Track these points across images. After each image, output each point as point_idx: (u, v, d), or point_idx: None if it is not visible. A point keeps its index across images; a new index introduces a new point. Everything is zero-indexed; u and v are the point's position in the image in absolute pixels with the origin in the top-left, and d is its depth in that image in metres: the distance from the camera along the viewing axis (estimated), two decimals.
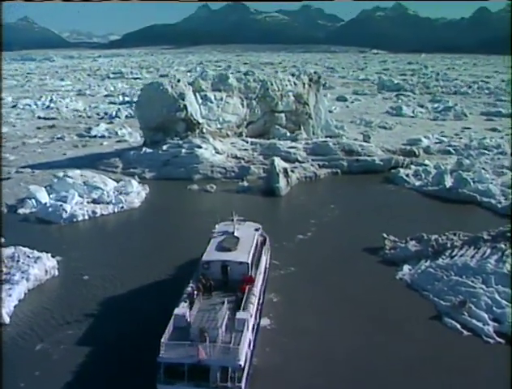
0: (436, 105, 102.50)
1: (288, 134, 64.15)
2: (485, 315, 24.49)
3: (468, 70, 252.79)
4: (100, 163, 55.32)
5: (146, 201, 43.33)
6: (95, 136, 73.21)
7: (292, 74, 70.17)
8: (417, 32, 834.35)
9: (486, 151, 59.26)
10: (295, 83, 67.39)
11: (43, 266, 29.10)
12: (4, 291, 26.06)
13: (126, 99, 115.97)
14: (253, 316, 20.21)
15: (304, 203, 42.99)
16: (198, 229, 35.96)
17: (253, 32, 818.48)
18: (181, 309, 19.89)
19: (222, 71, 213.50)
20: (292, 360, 20.69)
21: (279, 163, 47.69)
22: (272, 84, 65.10)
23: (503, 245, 28.68)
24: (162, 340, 18.10)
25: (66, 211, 39.17)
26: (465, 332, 23.66)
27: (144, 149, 55.50)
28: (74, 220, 38.90)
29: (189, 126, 57.77)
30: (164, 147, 54.44)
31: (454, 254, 29.68)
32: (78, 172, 46.91)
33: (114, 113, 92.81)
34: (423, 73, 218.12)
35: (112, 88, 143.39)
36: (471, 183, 44.14)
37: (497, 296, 25.57)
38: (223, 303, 20.40)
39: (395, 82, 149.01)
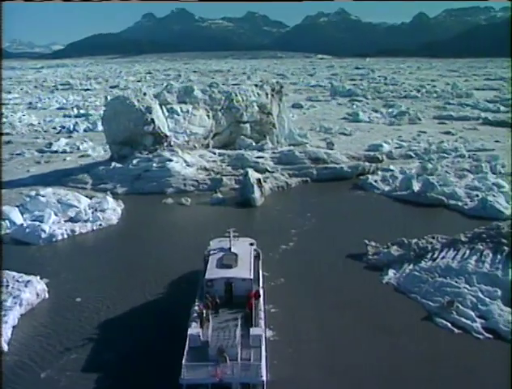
0: (390, 110, 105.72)
1: (254, 144, 65.16)
2: (472, 313, 25.98)
3: (413, 74, 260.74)
4: (69, 179, 54.57)
5: (123, 217, 43.13)
6: (56, 151, 72.00)
7: (256, 85, 71.03)
8: (360, 36, 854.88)
9: (445, 155, 61.90)
10: (258, 94, 68.48)
11: (34, 289, 28.72)
12: None
13: (81, 112, 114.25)
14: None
15: (280, 213, 43.78)
16: (183, 244, 36.63)
17: (199, 39, 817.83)
18: (194, 329, 20.17)
19: (171, 81, 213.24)
20: (302, 370, 21.31)
21: (253, 174, 48.47)
22: (237, 95, 65.96)
23: (480, 247, 30.40)
24: (183, 362, 18.32)
25: (45, 232, 38.62)
26: (456, 330, 25.06)
27: (114, 164, 55.12)
28: (54, 239, 38.38)
29: (156, 139, 57.84)
30: (135, 162, 54.26)
31: (435, 256, 31.15)
32: (50, 190, 46.27)
33: (72, 127, 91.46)
34: (371, 77, 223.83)
35: (64, 101, 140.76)
36: (438, 187, 46.10)
37: (480, 294, 27.16)
38: (234, 320, 20.85)
39: (347, 88, 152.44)
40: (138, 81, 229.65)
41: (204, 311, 21.36)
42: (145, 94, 59.26)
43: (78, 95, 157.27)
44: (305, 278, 30.47)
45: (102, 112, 66.88)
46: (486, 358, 22.90)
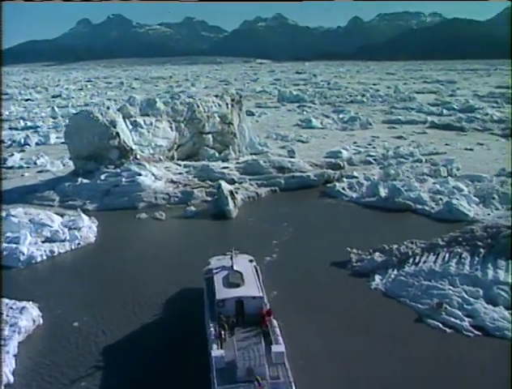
0: (341, 116, 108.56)
1: (217, 154, 65.89)
2: (459, 313, 27.76)
3: (354, 78, 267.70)
4: (33, 197, 53.40)
5: (100, 235, 42.71)
6: (12, 167, 70.04)
7: (216, 95, 71.72)
8: (298, 40, 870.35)
9: (403, 160, 64.58)
10: (219, 104, 69.19)
11: (30, 316, 28.19)
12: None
13: (28, 124, 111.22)
14: None
15: (257, 224, 44.59)
16: (168, 261, 36.75)
17: (137, 45, 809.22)
18: (217, 350, 20.42)
19: (114, 89, 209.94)
20: (319, 383, 22.12)
21: (226, 186, 49.19)
22: (198, 106, 66.42)
23: (459, 250, 32.42)
24: (215, 386, 18.66)
25: (23, 253, 37.84)
26: (447, 330, 26.72)
27: (80, 180, 54.42)
28: (33, 261, 37.62)
29: (122, 153, 57.55)
30: (103, 177, 53.81)
31: (417, 261, 32.91)
32: (21, 209, 45.30)
33: (23, 141, 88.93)
34: (314, 82, 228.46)
35: (6, 112, 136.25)
36: (404, 192, 48.31)
37: (464, 295, 29.03)
38: (253, 338, 21.37)
39: (294, 93, 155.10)
40: (80, 89, 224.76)
41: (222, 332, 21.71)
42: (108, 108, 58.75)
43: (19, 105, 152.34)
44: (296, 289, 31.23)
45: (64, 127, 65.85)
46: (481, 354, 24.66)
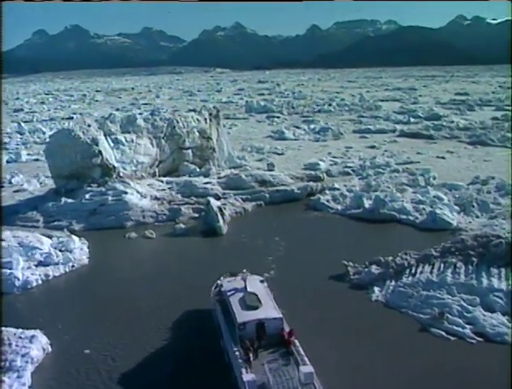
0: (312, 126, 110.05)
1: (198, 169, 66.27)
2: (460, 321, 29.07)
3: (317, 86, 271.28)
4: (16, 218, 52.54)
5: (93, 256, 42.43)
6: None
7: (194, 111, 72.14)
8: (257, 49, 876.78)
9: (381, 170, 66.29)
10: (198, 119, 69.68)
11: (39, 344, 27.98)
12: (15, 380, 25.00)
13: None
14: None
15: (249, 240, 45.01)
16: (168, 281, 36.80)
17: (95, 56, 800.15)
18: (248, 375, 20.75)
19: (77, 102, 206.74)
20: None
21: (215, 202, 49.70)
22: (178, 122, 66.76)
23: (453, 260, 33.85)
24: None
25: (18, 279, 37.37)
26: (451, 338, 27.98)
27: (64, 199, 53.95)
28: (29, 286, 37.11)
29: (105, 171, 57.37)
30: (87, 196, 53.51)
31: (413, 272, 34.15)
32: (8, 232, 44.79)
33: None
34: (279, 92, 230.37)
35: None
36: (388, 203, 49.79)
37: (463, 303, 30.37)
38: (280, 360, 21.83)
39: (262, 104, 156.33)
40: (42, 103, 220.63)
41: (251, 355, 22.07)
42: (89, 125, 58.51)
43: None
44: (300, 306, 31.16)
45: (45, 145, 65.06)
46: (486, 359, 25.96)
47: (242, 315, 24.15)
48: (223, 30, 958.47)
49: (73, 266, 40.66)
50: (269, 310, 24.65)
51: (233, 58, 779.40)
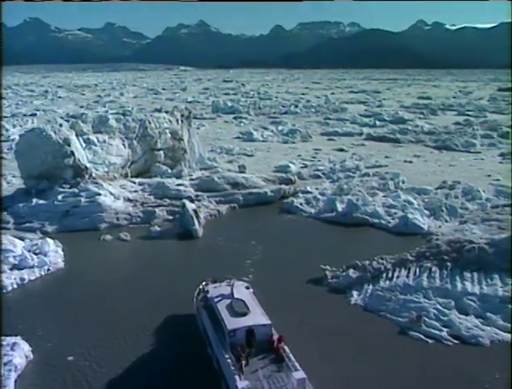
0: (280, 128, 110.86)
1: (170, 170, 66.07)
2: (437, 324, 30.11)
3: (281, 87, 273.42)
4: None
5: (68, 259, 41.81)
6: None
7: (166, 111, 71.83)
8: (221, 48, 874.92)
9: (351, 174, 67.48)
10: (170, 120, 69.44)
11: (22, 352, 27.48)
12: None
13: None
14: None
15: (225, 244, 45.17)
16: (147, 284, 36.72)
17: (56, 50, 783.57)
18: (243, 382, 20.93)
19: (39, 98, 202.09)
20: None
21: (190, 205, 49.75)
22: (150, 123, 66.40)
23: (428, 264, 34.97)
24: None
25: None
26: (429, 340, 28.95)
27: (35, 200, 53.03)
28: (4, 291, 36.48)
29: (77, 172, 56.62)
30: (60, 197, 52.70)
31: (390, 276, 35.11)
32: None
33: None
34: (244, 92, 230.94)
35: None
36: (361, 207, 50.83)
37: (439, 306, 31.42)
38: (271, 366, 22.10)
39: (229, 104, 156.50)
40: (1, 98, 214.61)
41: (243, 362, 22.20)
42: (61, 125, 57.64)
43: None
44: (280, 311, 30.54)
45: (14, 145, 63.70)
46: (464, 361, 27.09)
47: (231, 322, 24.23)
48: (186, 28, 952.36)
49: (48, 269, 40.06)
50: (258, 317, 24.89)
51: (197, 56, 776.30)
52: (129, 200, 55.44)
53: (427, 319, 30.32)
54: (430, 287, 32.99)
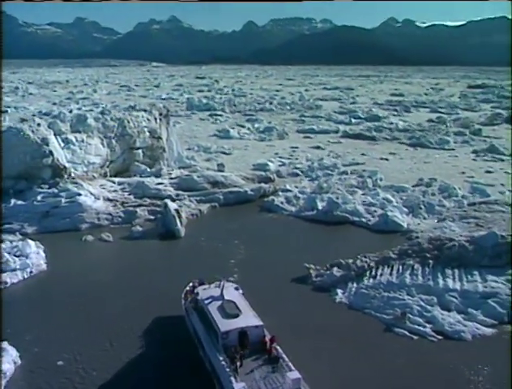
0: (256, 125, 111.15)
1: (148, 169, 65.85)
2: (421, 320, 30.90)
3: (255, 83, 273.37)
4: None
5: (50, 261, 41.34)
6: None
7: (144, 110, 71.48)
8: (193, 44, 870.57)
9: (329, 172, 68.21)
10: (148, 119, 69.17)
11: (10, 357, 27.15)
12: None
13: None
14: None
15: (208, 243, 45.27)
16: (132, 285, 36.66)
17: (25, 45, 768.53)
18: (239, 383, 21.22)
19: (9, 94, 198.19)
20: None
21: (172, 205, 49.72)
22: (129, 122, 66.04)
23: (411, 262, 35.80)
24: None
25: None
26: (414, 337, 29.72)
27: (13, 201, 52.30)
28: None
29: (55, 171, 56.06)
30: (39, 198, 52.09)
31: (373, 274, 35.80)
32: None
33: None
34: (218, 89, 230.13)
35: None
36: (341, 205, 51.50)
37: (422, 303, 32.28)
38: (266, 367, 22.37)
39: (204, 101, 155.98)
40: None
41: (238, 363, 22.47)
42: (39, 125, 56.93)
43: None
44: (268, 309, 30.51)
45: None
46: (448, 355, 27.91)
47: (224, 324, 24.39)
48: (158, 23, 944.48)
49: (31, 272, 39.57)
50: (250, 318, 25.13)
51: (169, 52, 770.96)
52: (109, 200, 55.11)
53: (411, 316, 31.10)
54: (413, 284, 33.80)
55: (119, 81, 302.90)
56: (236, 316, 25.07)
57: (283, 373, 22.04)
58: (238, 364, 22.53)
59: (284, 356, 23.35)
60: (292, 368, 22.25)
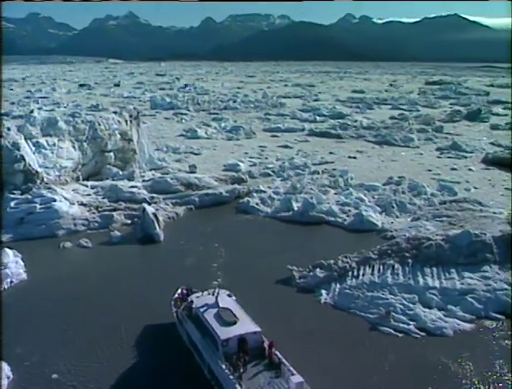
0: (223, 125, 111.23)
1: (120, 172, 65.45)
2: (404, 318, 32.15)
3: (216, 81, 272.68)
4: None
5: (30, 270, 40.71)
6: None
7: (115, 112, 70.87)
8: (151, 40, 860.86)
9: (300, 171, 69.18)
10: (119, 121, 68.67)
11: (3, 372, 26.74)
12: None
13: None
14: None
15: (188, 247, 45.42)
16: (118, 292, 36.56)
17: None
18: None
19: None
20: None
21: (150, 209, 49.72)
22: (100, 124, 65.44)
23: (391, 261, 37.04)
24: None
25: None
26: (399, 334, 30.92)
27: None
28: None
29: (27, 177, 55.16)
30: (12, 204, 51.13)
31: (355, 274, 36.87)
32: None
33: None
34: (180, 87, 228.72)
35: None
36: (316, 205, 52.51)
37: (404, 301, 33.53)
38: (268, 372, 22.94)
39: (168, 100, 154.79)
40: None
41: (241, 370, 22.92)
42: (9, 129, 55.88)
43: None
44: (255, 314, 29.98)
45: None
46: (432, 351, 29.24)
47: (223, 332, 24.74)
48: (115, 19, 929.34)
49: (11, 281, 38.94)
50: (248, 325, 25.58)
51: (126, 49, 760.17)
52: (83, 205, 54.63)
53: (395, 314, 32.29)
54: (395, 283, 35.04)
55: (78, 79, 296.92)
56: (234, 323, 25.48)
57: (286, 378, 22.66)
58: (242, 371, 23.01)
59: (285, 360, 23.94)
60: (294, 372, 22.88)
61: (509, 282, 34.79)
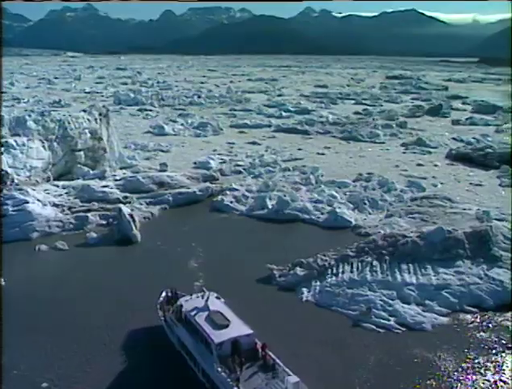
0: (189, 121, 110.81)
1: (91, 171, 64.81)
2: (385, 314, 33.28)
3: (179, 75, 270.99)
4: None
5: (6, 274, 39.63)
6: None
7: (84, 111, 69.97)
8: (110, 33, 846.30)
9: (271, 169, 69.79)
10: (88, 120, 67.87)
11: None
12: None
13: None
14: None
15: (167, 247, 45.50)
16: (99, 296, 36.22)
17: None
18: None
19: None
20: None
21: (126, 210, 49.51)
22: (70, 123, 64.56)
23: (369, 259, 38.14)
24: None
25: None
26: (380, 330, 32.04)
27: None
28: None
29: None
30: None
31: (335, 272, 37.81)
32: None
33: None
34: (143, 81, 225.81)
35: None
36: (291, 203, 53.31)
37: (384, 298, 34.69)
38: (264, 373, 23.43)
39: (131, 95, 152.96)
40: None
41: (238, 373, 23.31)
42: None
43: None
44: (240, 312, 29.94)
45: None
46: (413, 345, 30.45)
47: (217, 335, 25.01)
48: (73, 11, 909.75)
49: None
50: (240, 327, 25.90)
51: (85, 42, 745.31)
52: (56, 205, 53.92)
53: (375, 311, 33.38)
54: (374, 280, 36.15)
55: (36, 73, 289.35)
56: (227, 326, 25.79)
57: (282, 378, 23.26)
58: (239, 373, 23.49)
59: (279, 361, 24.53)
60: (290, 372, 23.49)
61: (481, 276, 36.39)
